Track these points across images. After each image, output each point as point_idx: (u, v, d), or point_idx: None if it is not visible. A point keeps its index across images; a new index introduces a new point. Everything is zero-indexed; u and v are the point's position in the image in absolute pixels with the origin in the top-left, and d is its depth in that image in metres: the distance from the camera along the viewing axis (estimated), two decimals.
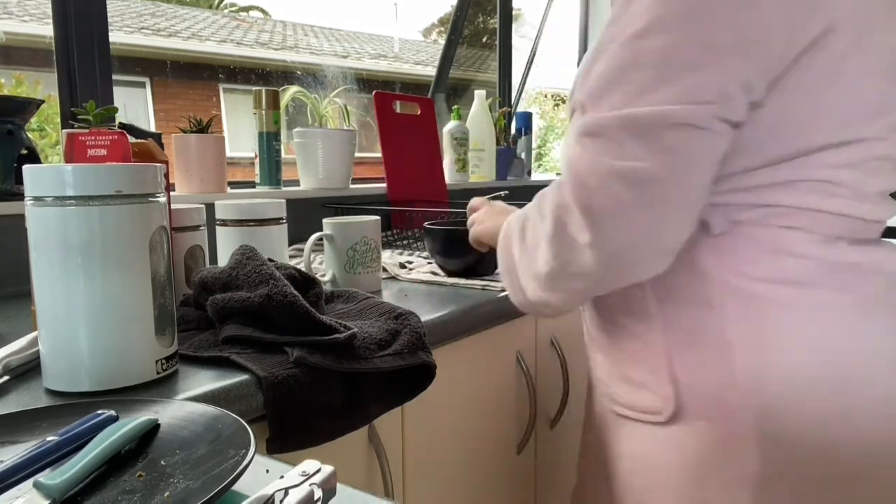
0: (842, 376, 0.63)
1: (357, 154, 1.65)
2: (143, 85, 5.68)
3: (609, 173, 0.60)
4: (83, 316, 0.57)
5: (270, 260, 0.78)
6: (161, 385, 0.60)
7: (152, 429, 0.45)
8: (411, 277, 1.13)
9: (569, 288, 0.69)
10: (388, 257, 1.27)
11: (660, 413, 0.71)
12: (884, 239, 0.71)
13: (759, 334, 0.65)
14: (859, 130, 0.64)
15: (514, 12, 2.51)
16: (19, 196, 1.06)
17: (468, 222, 0.98)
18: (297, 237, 1.26)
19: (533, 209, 0.71)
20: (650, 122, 0.59)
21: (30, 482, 0.38)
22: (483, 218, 0.95)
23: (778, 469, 0.64)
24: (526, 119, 2.34)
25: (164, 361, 0.62)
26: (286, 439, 0.63)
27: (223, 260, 0.93)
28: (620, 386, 0.75)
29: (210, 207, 0.95)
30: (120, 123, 1.11)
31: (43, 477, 0.38)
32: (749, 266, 0.66)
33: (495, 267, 1.13)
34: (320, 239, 1.00)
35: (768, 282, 0.65)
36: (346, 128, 1.91)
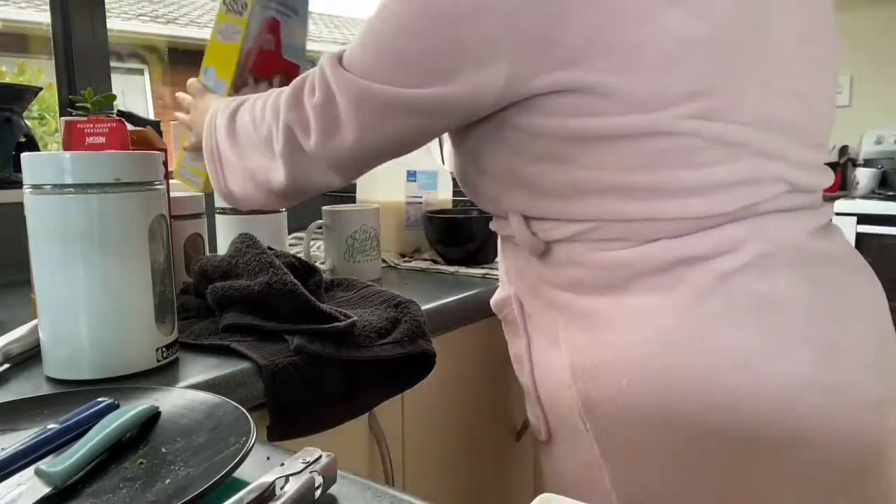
0: (672, 391, 0.59)
1: None
2: (141, 72, 5.65)
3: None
4: (83, 304, 0.57)
5: (270, 248, 0.78)
6: (161, 373, 0.61)
7: (153, 416, 0.45)
8: (411, 266, 1.13)
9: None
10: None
11: (541, 434, 0.73)
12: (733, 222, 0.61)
13: (585, 360, 0.64)
14: (650, 121, 0.57)
15: None
16: (18, 184, 1.06)
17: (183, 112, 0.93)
18: (296, 226, 1.25)
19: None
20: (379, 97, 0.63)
21: (31, 469, 0.38)
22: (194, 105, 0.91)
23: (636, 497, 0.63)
24: None
25: (164, 349, 0.62)
26: (287, 427, 0.63)
27: (223, 248, 0.93)
28: (526, 402, 0.77)
29: (209, 196, 0.95)
30: (118, 111, 1.11)
31: (44, 464, 0.38)
32: (571, 287, 0.65)
33: (495, 255, 1.13)
34: (320, 227, 1.00)
35: (592, 299, 0.63)
36: None
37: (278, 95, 0.71)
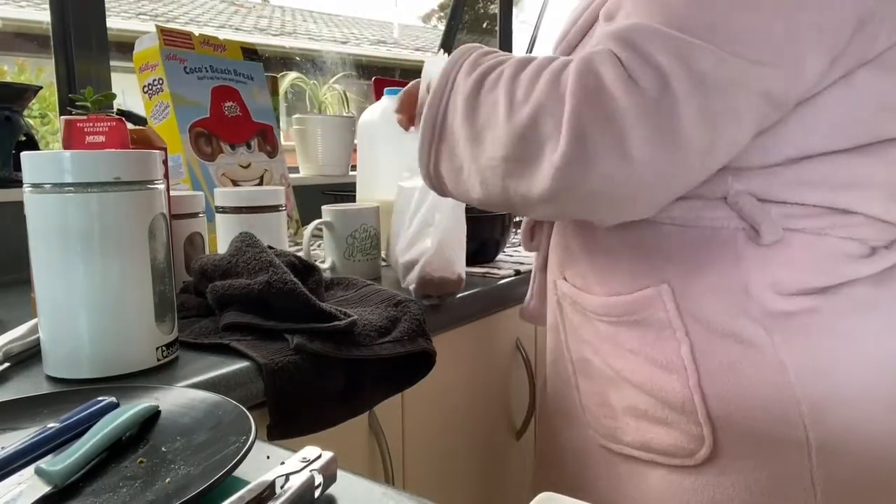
0: None
1: (356, 141, 1.64)
2: None
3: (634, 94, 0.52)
4: (83, 303, 0.57)
5: (270, 247, 0.78)
6: (161, 372, 0.61)
7: (153, 415, 0.45)
8: None
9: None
10: None
11: (690, 455, 0.62)
12: None
13: (815, 360, 0.58)
14: None
15: None
16: (18, 183, 1.06)
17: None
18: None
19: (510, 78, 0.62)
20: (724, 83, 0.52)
21: (31, 468, 0.38)
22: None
23: None
24: None
25: (164, 348, 0.62)
26: (287, 426, 0.63)
27: (223, 247, 0.93)
28: (629, 420, 0.66)
29: None
30: (118, 110, 1.11)
31: (44, 463, 0.38)
32: (802, 283, 0.59)
33: (496, 254, 1.13)
34: (320, 226, 1.00)
35: (824, 300, 0.59)
36: (345, 114, 1.91)
37: None
